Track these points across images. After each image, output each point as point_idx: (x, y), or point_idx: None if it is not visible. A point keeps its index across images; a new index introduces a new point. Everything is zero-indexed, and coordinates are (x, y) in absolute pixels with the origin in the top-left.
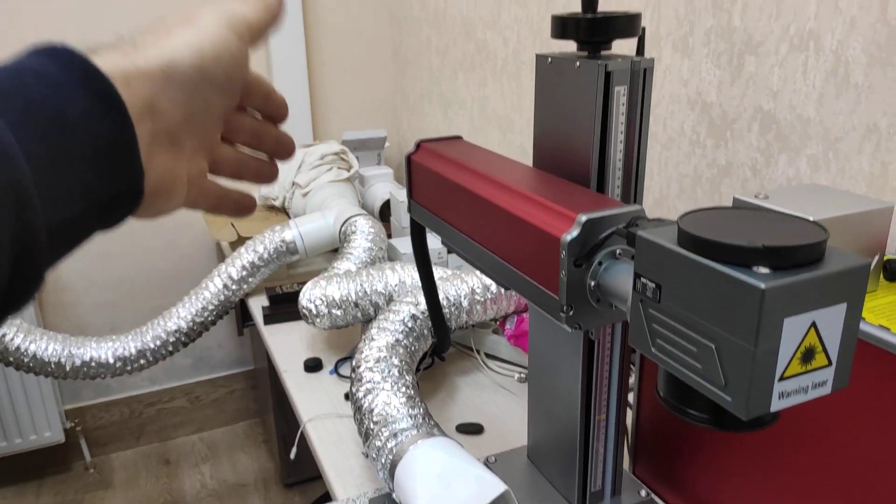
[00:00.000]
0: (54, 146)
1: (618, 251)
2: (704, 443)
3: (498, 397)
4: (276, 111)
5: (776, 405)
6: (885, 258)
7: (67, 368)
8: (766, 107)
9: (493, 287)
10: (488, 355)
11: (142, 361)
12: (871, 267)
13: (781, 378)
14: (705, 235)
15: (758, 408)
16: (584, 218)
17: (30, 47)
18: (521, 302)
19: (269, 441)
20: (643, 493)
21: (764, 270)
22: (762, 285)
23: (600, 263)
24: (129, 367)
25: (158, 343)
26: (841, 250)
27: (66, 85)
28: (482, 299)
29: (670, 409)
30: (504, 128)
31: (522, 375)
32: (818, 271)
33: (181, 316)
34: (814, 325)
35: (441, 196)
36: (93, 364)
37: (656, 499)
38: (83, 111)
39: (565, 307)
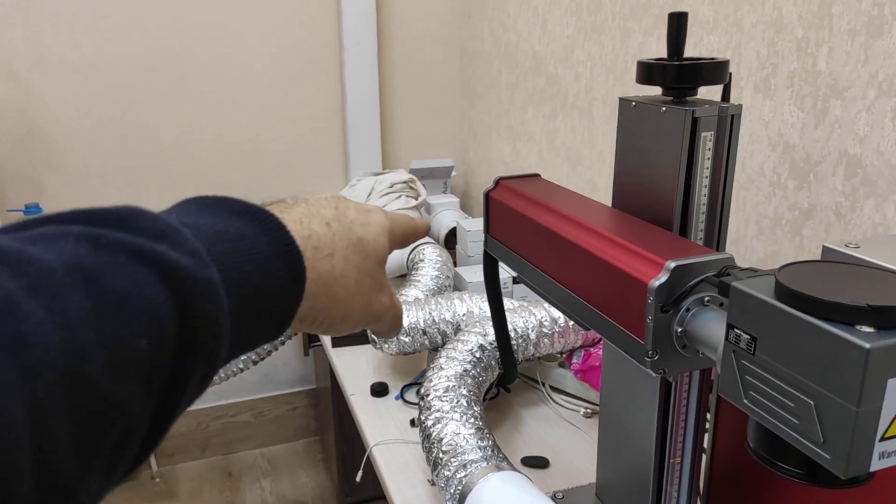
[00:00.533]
0: (249, 307)
1: (706, 298)
2: (779, 496)
3: (563, 431)
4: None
5: (875, 465)
6: None
7: None
8: (851, 151)
9: (561, 320)
10: (553, 388)
11: (215, 379)
12: None
13: (882, 438)
14: (806, 291)
15: (857, 467)
16: (672, 265)
17: (243, 205)
18: (588, 336)
19: (328, 460)
20: None
21: (868, 329)
22: (867, 345)
23: (688, 310)
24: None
25: (232, 362)
26: None
27: (271, 260)
28: (550, 332)
29: (760, 461)
30: (573, 161)
31: (588, 410)
32: None
33: None
34: None
35: (519, 233)
36: None
37: None
38: (276, 280)
39: (650, 352)
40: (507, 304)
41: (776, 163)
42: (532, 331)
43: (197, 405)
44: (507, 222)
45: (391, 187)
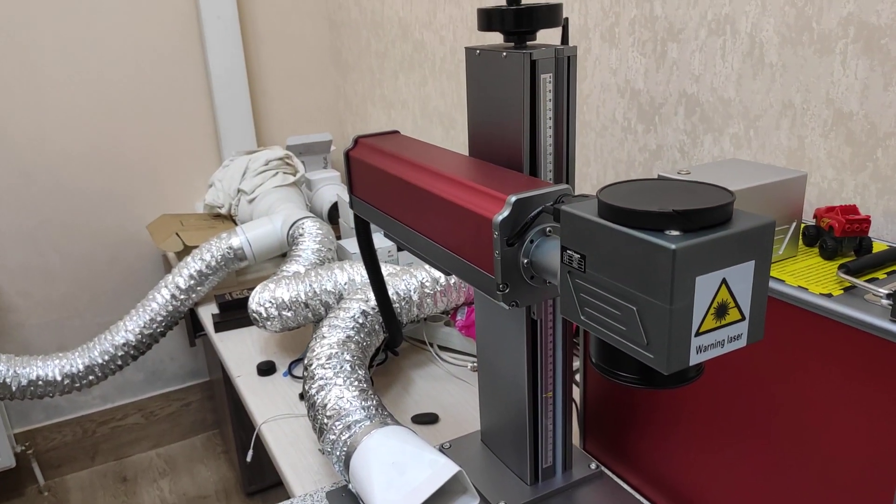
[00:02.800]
0: None
1: (548, 229)
2: (650, 416)
3: (452, 387)
4: None
5: (694, 359)
6: (802, 225)
7: (13, 388)
8: (689, 90)
9: (443, 279)
10: (441, 347)
11: (90, 378)
12: (789, 233)
13: (698, 333)
14: (621, 205)
15: (677, 362)
16: (513, 198)
17: None
18: (471, 293)
19: (229, 451)
20: (593, 466)
21: (675, 233)
22: (672, 246)
23: (532, 241)
24: (77, 384)
25: (107, 358)
26: (747, 212)
27: None
28: (432, 292)
29: (602, 373)
30: (447, 125)
31: (475, 364)
32: (726, 231)
33: (129, 329)
34: (724, 282)
35: (381, 189)
36: (40, 383)
37: (606, 471)
38: None
39: (501, 285)
40: (389, 269)
41: (626, 108)
42: (414, 292)
43: (80, 411)
44: (368, 180)
45: (266, 165)
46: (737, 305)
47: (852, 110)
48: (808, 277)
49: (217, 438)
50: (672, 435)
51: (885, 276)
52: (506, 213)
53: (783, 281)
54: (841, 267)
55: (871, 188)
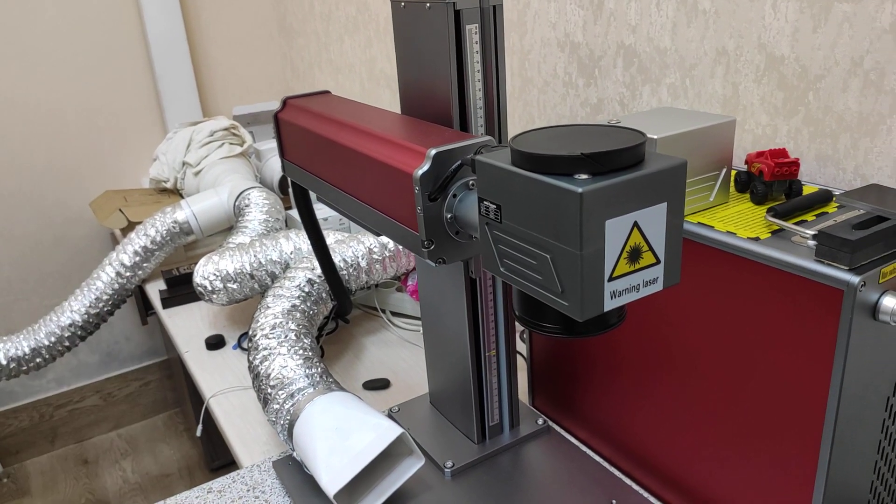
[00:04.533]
0: None
1: (471, 182)
2: (592, 369)
3: (404, 352)
4: None
5: (609, 304)
6: (734, 171)
7: None
8: (627, 41)
9: (391, 245)
10: (394, 313)
11: (38, 360)
12: (720, 180)
13: (611, 278)
14: (531, 150)
15: (592, 308)
16: (433, 151)
17: None
18: None
19: (191, 429)
20: (540, 421)
21: (584, 176)
22: (579, 189)
23: (455, 196)
24: (24, 367)
25: (53, 339)
26: (660, 154)
27: None
28: (380, 258)
29: (526, 325)
30: (394, 88)
31: None
32: (635, 173)
33: (74, 309)
34: (636, 225)
35: (310, 151)
36: None
37: (554, 426)
38: None
39: (426, 241)
40: (337, 236)
41: (566, 63)
42: (362, 259)
43: (36, 395)
44: (298, 142)
45: (211, 136)
46: (651, 249)
47: (784, 54)
48: (737, 223)
49: (178, 417)
50: (613, 387)
51: (814, 217)
52: (426, 167)
53: (712, 227)
54: (769, 210)
55: (804, 132)
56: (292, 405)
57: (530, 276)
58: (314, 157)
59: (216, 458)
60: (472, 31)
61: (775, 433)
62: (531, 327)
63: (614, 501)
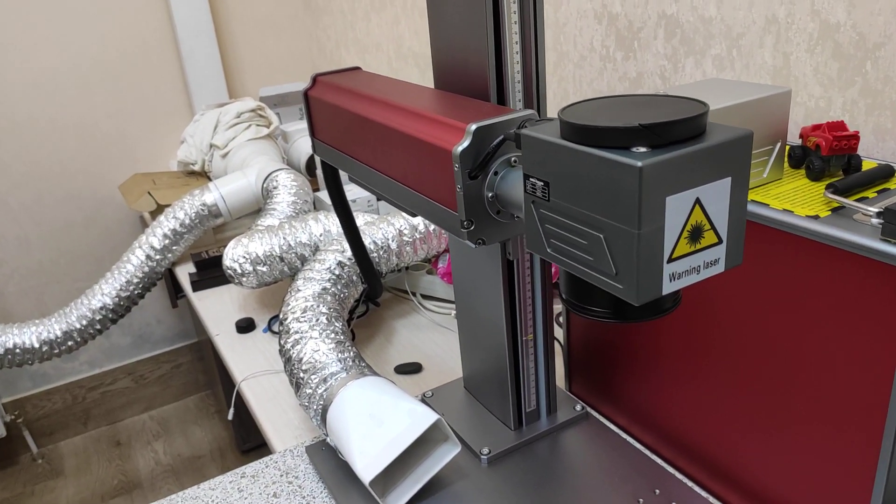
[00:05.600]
0: None
1: (513, 159)
2: (634, 354)
3: (436, 335)
4: None
5: (667, 287)
6: (788, 146)
7: None
8: (668, 11)
9: (421, 227)
10: (424, 296)
11: (69, 343)
12: (774, 155)
13: (670, 259)
14: (584, 122)
15: (648, 292)
16: (473, 127)
17: None
18: None
19: (222, 411)
20: (578, 407)
21: (642, 149)
22: (639, 163)
23: (496, 173)
24: (56, 350)
25: (85, 322)
26: (723, 125)
27: None
28: (411, 240)
29: (573, 309)
30: (422, 66)
31: None
32: (698, 145)
33: (105, 292)
34: (698, 201)
35: (342, 129)
36: (17, 351)
37: (592, 412)
38: None
39: (465, 222)
40: (366, 217)
41: (604, 35)
42: (392, 241)
43: (68, 378)
44: (329, 121)
45: (238, 117)
46: (713, 227)
47: (839, 21)
48: (793, 200)
49: (210, 399)
50: (656, 372)
51: (876, 194)
52: (466, 144)
53: (767, 205)
54: (828, 187)
55: (861, 104)
56: (325, 390)
57: (580, 256)
58: (346, 136)
59: (247, 440)
60: (510, 3)
61: (832, 421)
62: (579, 311)
63: (657, 491)
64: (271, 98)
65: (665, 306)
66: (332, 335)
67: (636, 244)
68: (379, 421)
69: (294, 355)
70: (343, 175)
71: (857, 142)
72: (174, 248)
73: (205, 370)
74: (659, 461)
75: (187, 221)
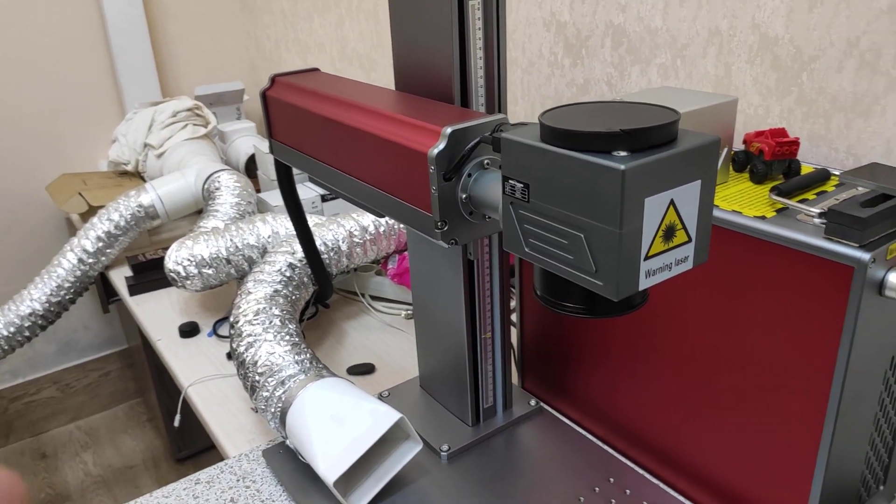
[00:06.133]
0: None
1: (486, 161)
2: (583, 351)
3: (387, 336)
4: None
5: (644, 283)
6: (732, 151)
7: None
8: (616, 21)
9: (372, 227)
10: (373, 297)
11: None
12: (721, 159)
13: (647, 257)
14: (565, 126)
15: (627, 288)
16: (448, 130)
17: None
18: (402, 240)
19: (155, 419)
20: (532, 402)
21: (623, 153)
22: (622, 167)
23: (470, 175)
24: None
25: (13, 330)
26: (691, 131)
27: None
28: (361, 241)
29: (547, 305)
30: (367, 68)
31: (409, 312)
32: (673, 150)
33: (34, 298)
34: (672, 202)
35: (304, 130)
36: None
37: (545, 407)
38: None
39: (439, 223)
40: (315, 219)
41: (552, 42)
42: (342, 242)
43: None
44: (289, 121)
45: (174, 116)
46: (684, 227)
47: (778, 35)
48: (741, 202)
49: (141, 407)
50: (605, 366)
51: (815, 196)
52: (442, 146)
53: (717, 206)
54: (773, 189)
55: (797, 112)
56: (284, 392)
57: (559, 255)
58: (308, 137)
59: (183, 448)
60: (474, 7)
61: (776, 411)
62: (553, 307)
63: (612, 479)
64: (207, 97)
65: (635, 302)
66: (288, 337)
67: (617, 243)
68: (340, 421)
69: (248, 358)
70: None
71: (798, 147)
72: (108, 251)
73: (135, 377)
74: (611, 452)
75: (122, 223)
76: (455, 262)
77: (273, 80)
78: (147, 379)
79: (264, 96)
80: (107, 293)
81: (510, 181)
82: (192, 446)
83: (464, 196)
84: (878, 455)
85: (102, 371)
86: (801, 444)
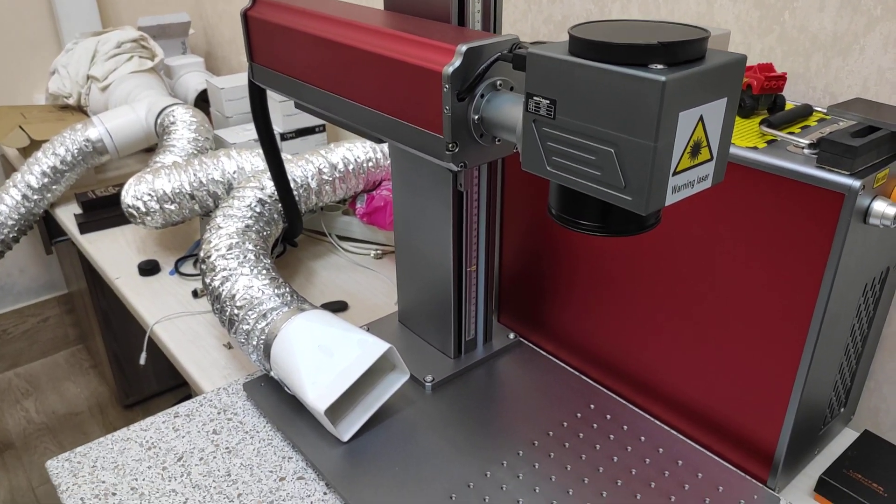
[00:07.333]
0: None
1: (498, 83)
2: (559, 283)
3: (357, 275)
4: None
5: (670, 199)
6: None
7: None
8: None
9: (341, 165)
10: (341, 237)
11: None
12: None
13: (675, 172)
14: (600, 39)
15: (656, 202)
16: (464, 48)
17: None
18: (370, 179)
19: (100, 365)
20: (511, 336)
21: (660, 66)
22: (663, 78)
23: (482, 96)
24: None
25: None
26: (717, 50)
27: None
28: (330, 178)
29: (563, 223)
30: None
31: (379, 252)
32: (706, 65)
33: None
34: (701, 119)
35: (291, 52)
36: None
37: (523, 340)
38: None
39: (450, 144)
40: (283, 155)
41: None
42: (312, 179)
43: None
44: (273, 43)
45: (119, 47)
46: (708, 145)
47: None
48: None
49: (83, 353)
50: (580, 298)
51: (800, 129)
52: (457, 64)
53: None
54: (763, 122)
55: (777, 51)
56: (267, 325)
57: (586, 172)
58: (298, 60)
59: (130, 394)
60: None
61: (757, 335)
62: (568, 225)
63: (592, 406)
64: (151, 29)
65: (649, 222)
66: (265, 271)
67: (651, 157)
68: (329, 352)
69: (225, 293)
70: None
71: (784, 82)
72: (54, 187)
73: (76, 323)
74: (590, 381)
75: (69, 158)
76: (444, 195)
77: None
78: (91, 324)
79: (245, 16)
80: (49, 233)
81: (534, 98)
82: (139, 392)
83: (476, 117)
84: (844, 379)
85: (41, 317)
86: (778, 370)
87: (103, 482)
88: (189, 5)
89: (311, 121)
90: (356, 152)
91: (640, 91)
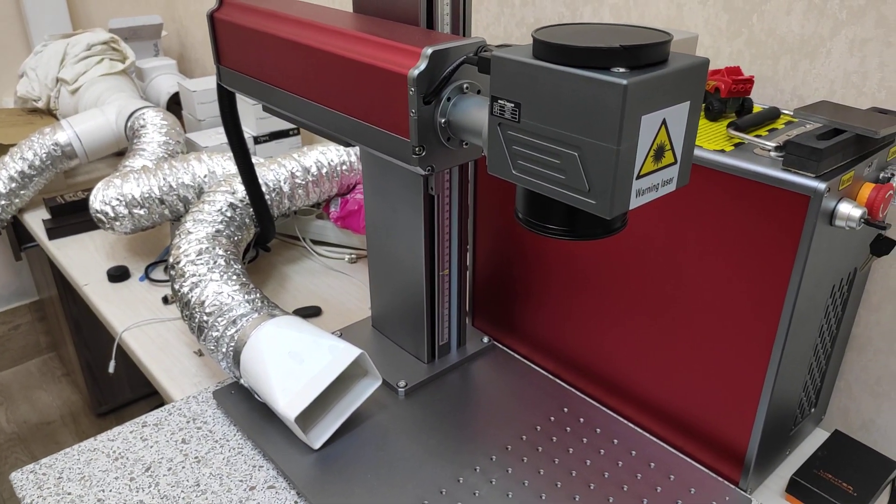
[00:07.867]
0: None
1: (465, 85)
2: (532, 287)
3: (331, 280)
4: None
5: (634, 202)
6: None
7: None
8: None
9: (314, 169)
10: (315, 241)
11: None
12: None
13: (639, 176)
14: (563, 42)
15: (620, 206)
16: (430, 50)
17: None
18: (344, 183)
19: (72, 373)
20: (485, 339)
21: (622, 70)
22: (624, 82)
23: (449, 99)
24: None
25: None
26: (680, 53)
27: None
28: (303, 182)
29: (530, 228)
30: None
31: (353, 256)
32: (668, 69)
33: None
34: (664, 122)
35: (259, 54)
36: None
37: (497, 344)
38: None
39: (417, 148)
40: (256, 158)
41: None
42: (285, 183)
43: None
44: (240, 45)
45: (89, 50)
46: (672, 148)
47: None
48: (699, 137)
49: (55, 362)
50: (554, 302)
51: (767, 133)
52: (423, 67)
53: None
54: (730, 125)
55: (746, 54)
56: (237, 331)
57: (550, 176)
58: (265, 62)
59: (103, 402)
60: None
61: (726, 338)
62: (535, 229)
63: (566, 409)
64: (122, 31)
65: (616, 225)
66: (235, 277)
67: (614, 160)
68: (299, 358)
69: (194, 299)
70: (250, 108)
71: (752, 86)
72: (22, 192)
73: (47, 331)
74: (562, 384)
75: (37, 163)
76: (416, 198)
77: (221, 1)
78: (63, 332)
79: (212, 18)
80: (19, 239)
81: (499, 101)
82: (112, 400)
83: (442, 121)
84: (814, 379)
85: (11, 325)
86: (748, 371)
87: (69, 494)
88: (161, 7)
89: (284, 124)
90: (330, 156)
91: (602, 94)
